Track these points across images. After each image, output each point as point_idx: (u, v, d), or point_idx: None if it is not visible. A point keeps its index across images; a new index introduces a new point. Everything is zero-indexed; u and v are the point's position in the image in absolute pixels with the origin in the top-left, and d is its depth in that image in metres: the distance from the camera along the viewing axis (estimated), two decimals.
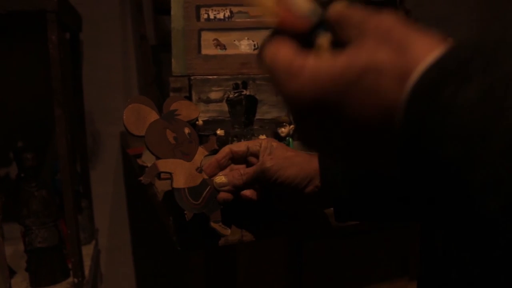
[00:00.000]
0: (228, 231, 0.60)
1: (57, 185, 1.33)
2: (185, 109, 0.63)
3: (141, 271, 1.78)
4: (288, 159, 0.58)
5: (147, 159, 0.99)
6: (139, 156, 1.05)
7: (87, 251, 1.39)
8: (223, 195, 0.59)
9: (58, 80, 1.01)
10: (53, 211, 1.13)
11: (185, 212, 0.56)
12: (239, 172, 0.60)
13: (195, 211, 0.57)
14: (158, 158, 0.57)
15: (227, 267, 0.74)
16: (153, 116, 0.58)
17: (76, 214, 1.11)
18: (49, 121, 1.17)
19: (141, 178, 0.54)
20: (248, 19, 0.77)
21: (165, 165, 0.57)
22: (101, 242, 1.67)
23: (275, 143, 0.61)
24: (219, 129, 0.73)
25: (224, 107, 0.74)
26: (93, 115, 1.61)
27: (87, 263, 1.29)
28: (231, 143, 0.72)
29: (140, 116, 0.57)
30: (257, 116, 0.75)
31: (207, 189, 0.59)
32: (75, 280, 1.11)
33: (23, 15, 1.03)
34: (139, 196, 1.66)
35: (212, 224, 0.58)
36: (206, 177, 0.60)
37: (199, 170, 0.60)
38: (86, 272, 1.22)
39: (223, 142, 0.74)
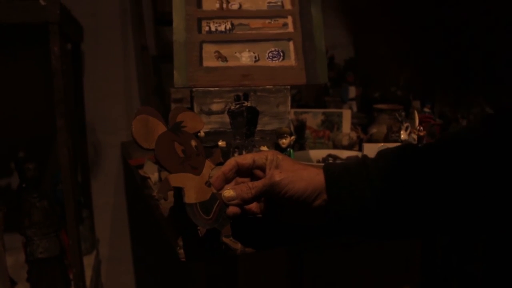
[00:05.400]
0: (238, 245, 0.59)
1: (58, 196, 1.33)
2: (190, 121, 0.62)
3: (142, 281, 1.77)
4: (297, 172, 0.57)
5: (148, 170, 0.99)
6: (141, 166, 1.05)
7: (88, 261, 1.39)
8: (232, 209, 0.59)
9: (60, 90, 1.01)
10: (55, 222, 1.13)
11: (198, 228, 0.56)
12: (247, 185, 0.59)
13: (207, 227, 0.56)
14: (167, 171, 0.56)
15: (229, 278, 0.74)
16: (161, 128, 0.57)
17: (78, 225, 1.11)
18: (51, 132, 1.17)
19: (155, 194, 0.54)
20: (249, 31, 0.78)
21: (176, 180, 0.56)
22: (102, 252, 1.67)
23: (280, 156, 0.61)
24: (220, 140, 0.73)
25: (226, 118, 0.75)
26: (94, 125, 1.61)
27: (88, 273, 1.29)
28: (233, 155, 0.73)
29: (149, 128, 0.56)
30: (258, 128, 0.76)
31: (217, 203, 0.58)
32: None
33: (26, 27, 1.04)
34: (139, 207, 1.66)
35: (224, 239, 0.58)
36: (214, 191, 0.59)
37: (208, 184, 0.59)
38: (87, 282, 1.22)
39: (224, 153, 0.74)
